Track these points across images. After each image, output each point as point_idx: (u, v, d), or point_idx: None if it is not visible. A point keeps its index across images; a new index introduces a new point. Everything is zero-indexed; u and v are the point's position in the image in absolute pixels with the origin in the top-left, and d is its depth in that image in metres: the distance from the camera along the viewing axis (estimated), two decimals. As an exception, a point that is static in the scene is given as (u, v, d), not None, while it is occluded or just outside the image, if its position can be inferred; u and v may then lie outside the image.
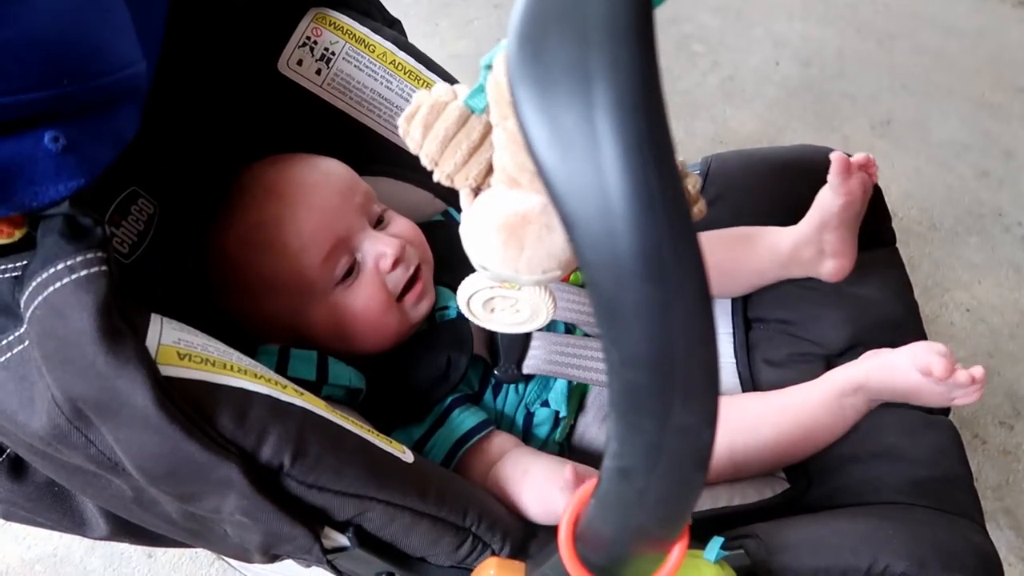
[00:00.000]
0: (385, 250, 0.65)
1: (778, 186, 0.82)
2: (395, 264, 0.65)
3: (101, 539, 0.55)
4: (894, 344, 0.72)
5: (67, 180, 0.39)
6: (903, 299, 0.78)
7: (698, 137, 1.51)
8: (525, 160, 0.35)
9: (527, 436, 0.70)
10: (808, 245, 0.75)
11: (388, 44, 0.74)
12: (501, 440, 0.65)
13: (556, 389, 0.71)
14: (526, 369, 0.69)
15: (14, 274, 0.42)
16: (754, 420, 0.67)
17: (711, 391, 0.25)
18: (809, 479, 0.69)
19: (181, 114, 0.65)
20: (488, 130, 0.39)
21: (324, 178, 0.66)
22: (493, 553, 0.54)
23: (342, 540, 0.49)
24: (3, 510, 0.53)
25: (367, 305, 0.64)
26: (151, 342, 0.43)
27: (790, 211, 0.78)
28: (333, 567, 0.51)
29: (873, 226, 0.79)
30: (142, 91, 0.46)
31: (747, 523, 0.60)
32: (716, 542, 0.48)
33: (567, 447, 0.73)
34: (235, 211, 0.64)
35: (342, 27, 0.73)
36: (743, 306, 0.82)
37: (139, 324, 0.43)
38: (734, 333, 0.80)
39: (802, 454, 0.68)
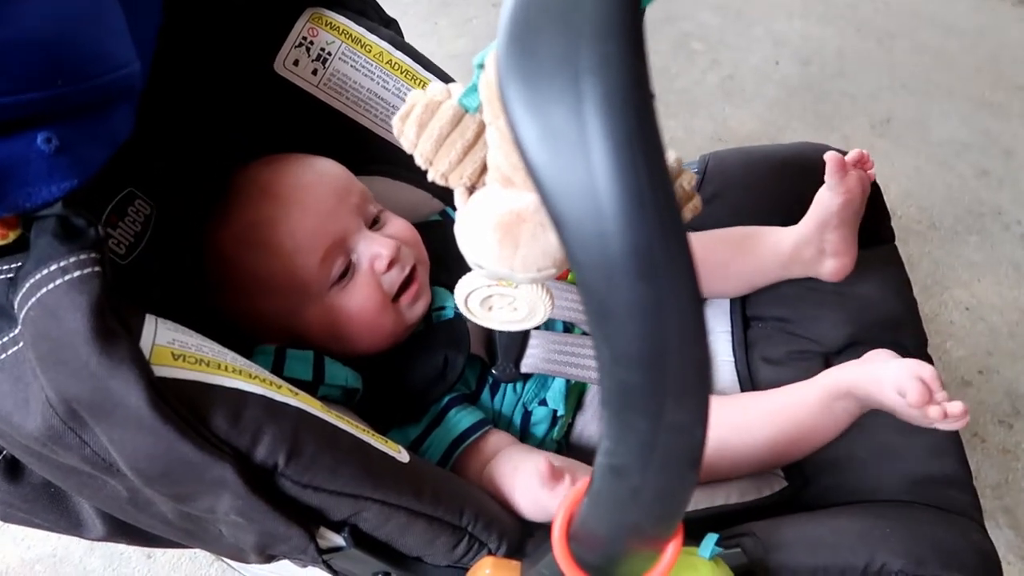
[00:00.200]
0: (380, 251, 0.64)
1: (777, 184, 0.82)
2: (390, 265, 0.65)
3: (98, 540, 0.55)
4: (893, 343, 0.72)
5: (60, 181, 0.39)
6: (902, 297, 0.78)
7: (697, 136, 1.51)
8: (519, 159, 0.35)
9: (525, 435, 0.70)
10: (809, 245, 0.75)
11: (384, 44, 0.74)
12: (497, 439, 0.65)
13: (554, 388, 0.71)
14: (524, 368, 0.69)
15: (8, 275, 0.42)
16: (749, 419, 0.67)
17: (703, 389, 0.25)
18: (806, 477, 0.69)
19: (177, 114, 0.65)
20: (482, 129, 0.39)
21: (319, 178, 0.66)
22: (489, 552, 0.54)
23: (338, 540, 0.49)
24: (0, 511, 0.53)
25: (362, 306, 0.64)
26: (145, 343, 0.43)
27: (789, 209, 0.78)
28: (329, 567, 0.51)
29: (872, 224, 0.79)
30: (136, 92, 0.46)
31: (744, 521, 0.60)
32: (711, 539, 0.48)
33: (565, 446, 0.73)
34: (231, 210, 0.64)
35: (338, 27, 0.73)
36: (741, 304, 0.82)
37: (133, 325, 0.43)
38: (732, 331, 0.80)
39: (797, 454, 0.68)
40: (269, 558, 0.51)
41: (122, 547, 1.01)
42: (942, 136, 1.52)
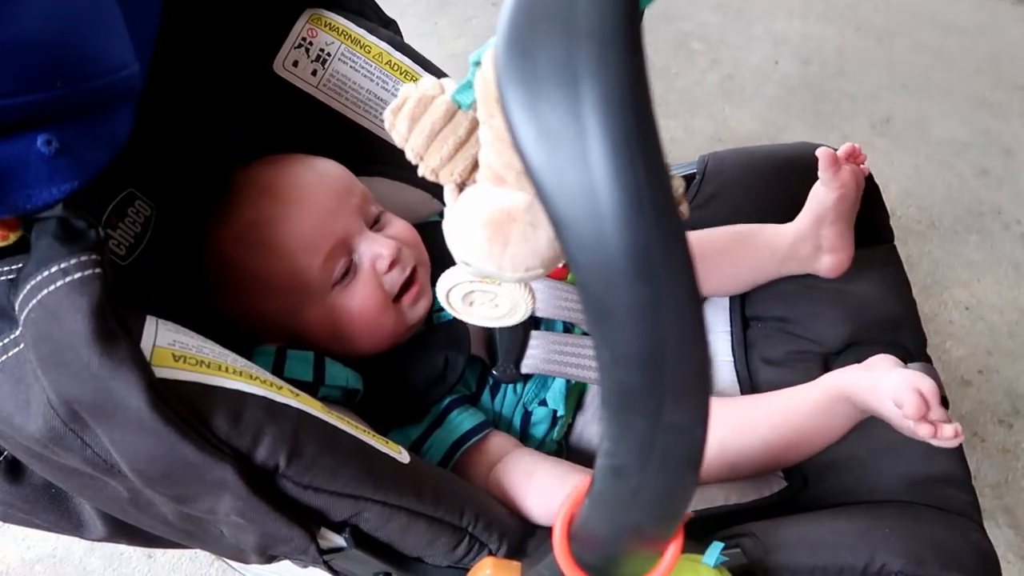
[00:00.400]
0: (381, 251, 0.65)
1: (776, 183, 0.82)
2: (391, 265, 0.65)
3: (99, 540, 0.55)
4: (892, 343, 0.72)
5: (60, 183, 0.39)
6: (901, 297, 0.78)
7: (697, 135, 1.51)
8: (512, 158, 0.35)
9: (524, 435, 0.70)
10: (805, 241, 0.75)
11: (384, 44, 0.74)
12: (500, 441, 0.65)
13: (554, 388, 0.71)
14: (525, 368, 0.69)
15: (9, 277, 0.42)
16: (748, 421, 0.67)
17: (702, 389, 0.25)
18: (806, 477, 0.69)
19: (177, 116, 0.65)
20: (475, 126, 0.38)
21: (320, 179, 0.66)
22: (490, 553, 0.54)
23: (338, 541, 0.49)
24: (1, 512, 0.53)
25: (363, 306, 0.64)
26: (146, 344, 0.43)
27: (788, 208, 0.78)
28: (330, 567, 0.51)
29: (871, 224, 0.79)
30: (136, 93, 0.46)
31: (744, 522, 0.60)
32: (716, 547, 0.47)
33: (565, 446, 0.73)
34: (231, 210, 0.64)
35: (337, 28, 0.73)
36: (741, 304, 0.82)
37: (134, 326, 0.43)
38: (732, 331, 0.80)
39: (798, 456, 0.67)
40: (270, 559, 0.51)
41: (122, 547, 1.01)
42: (942, 135, 1.52)
